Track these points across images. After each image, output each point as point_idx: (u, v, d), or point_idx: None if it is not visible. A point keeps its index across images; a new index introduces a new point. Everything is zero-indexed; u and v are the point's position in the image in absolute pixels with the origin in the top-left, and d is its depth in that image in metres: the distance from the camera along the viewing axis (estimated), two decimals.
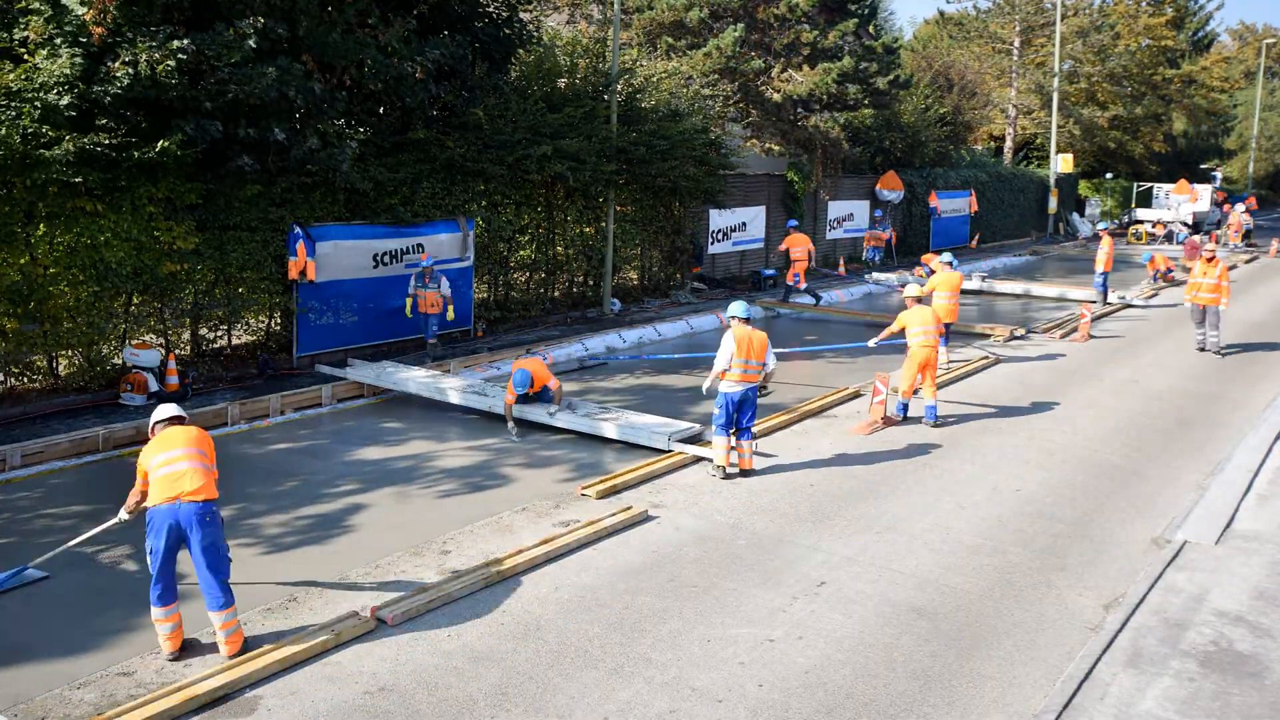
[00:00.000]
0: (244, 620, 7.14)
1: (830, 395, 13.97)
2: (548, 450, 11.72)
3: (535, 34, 18.54)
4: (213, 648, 6.73)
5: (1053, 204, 41.60)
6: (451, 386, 13.25)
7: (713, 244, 24.44)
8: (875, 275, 26.63)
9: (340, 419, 13.00)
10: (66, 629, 7.17)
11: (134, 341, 13.12)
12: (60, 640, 7.01)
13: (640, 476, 10.46)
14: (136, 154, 12.02)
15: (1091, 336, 19.44)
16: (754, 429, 10.78)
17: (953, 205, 34.66)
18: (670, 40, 25.00)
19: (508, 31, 17.23)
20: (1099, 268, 22.86)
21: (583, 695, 6.39)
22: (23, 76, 11.27)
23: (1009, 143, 46.67)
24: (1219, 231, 41.27)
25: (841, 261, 28.14)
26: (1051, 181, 41.56)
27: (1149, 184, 46.37)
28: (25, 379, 12.78)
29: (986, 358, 16.89)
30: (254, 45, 12.41)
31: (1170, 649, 7.08)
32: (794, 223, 24.16)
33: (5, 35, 11.68)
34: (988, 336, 18.87)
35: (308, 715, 6.08)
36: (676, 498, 10.02)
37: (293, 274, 14.28)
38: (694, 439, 11.62)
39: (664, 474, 10.69)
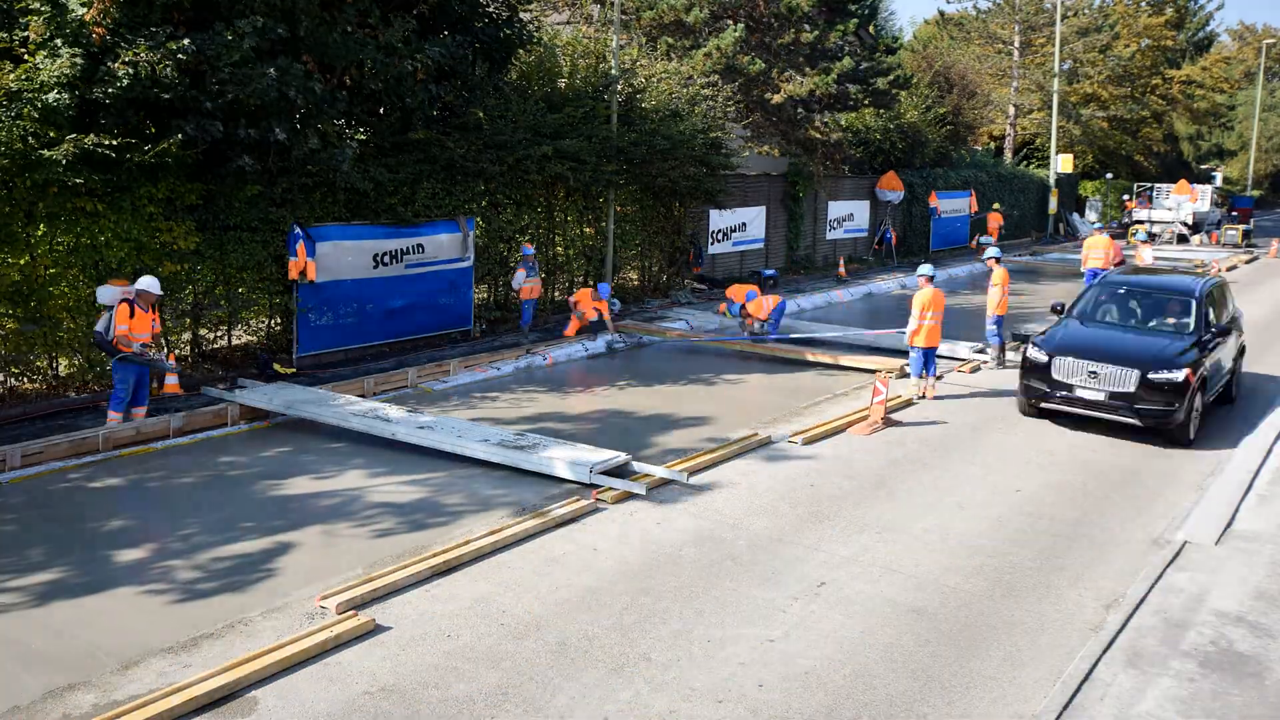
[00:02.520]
0: (244, 620, 7.17)
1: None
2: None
3: (535, 34, 18.53)
4: None
5: (1053, 204, 41.61)
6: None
7: (713, 244, 24.44)
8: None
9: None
10: (67, 629, 7.16)
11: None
12: (61, 641, 7.00)
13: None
14: (137, 154, 12.01)
15: None
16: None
17: (953, 205, 34.66)
18: (670, 40, 25.01)
19: (508, 32, 17.23)
20: (992, 311, 16.20)
21: (583, 695, 6.39)
22: (23, 77, 11.27)
23: (1009, 143, 46.70)
24: (1219, 232, 41.30)
25: (842, 262, 28.14)
26: (1051, 182, 41.56)
27: (1149, 184, 46.36)
28: (25, 379, 12.78)
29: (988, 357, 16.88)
30: (254, 46, 12.41)
31: (1170, 649, 7.08)
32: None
33: (5, 36, 11.68)
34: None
35: (308, 715, 6.08)
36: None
37: (293, 274, 14.28)
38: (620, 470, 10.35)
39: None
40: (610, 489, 9.94)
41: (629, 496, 9.85)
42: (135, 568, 8.15)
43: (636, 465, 10.51)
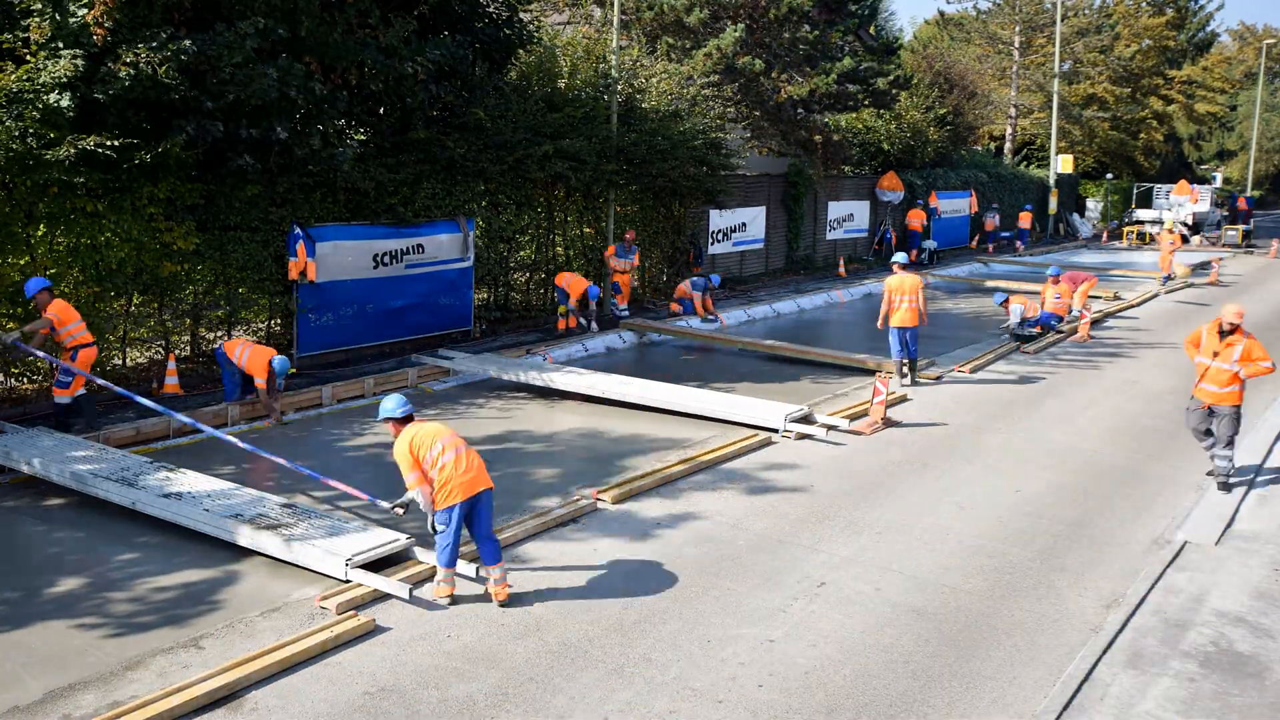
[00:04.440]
0: (244, 620, 7.17)
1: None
2: None
3: (535, 34, 18.54)
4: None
5: (1053, 204, 41.60)
6: None
7: (713, 244, 24.44)
8: None
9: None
10: (67, 631, 7.16)
11: None
12: (61, 642, 7.00)
13: None
14: (138, 155, 12.02)
15: (1092, 337, 19.44)
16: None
17: (953, 206, 34.65)
18: (671, 40, 25.02)
19: (508, 32, 17.23)
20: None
21: (583, 696, 6.39)
22: (24, 77, 11.27)
23: (1008, 143, 46.71)
24: (1219, 232, 41.26)
25: (842, 262, 28.14)
26: (1051, 182, 41.55)
27: (1149, 184, 46.37)
28: (25, 379, 12.78)
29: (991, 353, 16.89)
30: (255, 46, 12.41)
31: (1170, 649, 7.08)
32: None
33: (7, 36, 11.67)
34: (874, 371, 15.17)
35: (308, 715, 6.08)
36: None
37: (293, 274, 14.28)
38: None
39: None
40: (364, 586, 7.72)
41: (631, 497, 9.84)
42: None
43: (419, 552, 8.27)
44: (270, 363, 12.11)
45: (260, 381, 12.12)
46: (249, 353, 12.23)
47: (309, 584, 7.80)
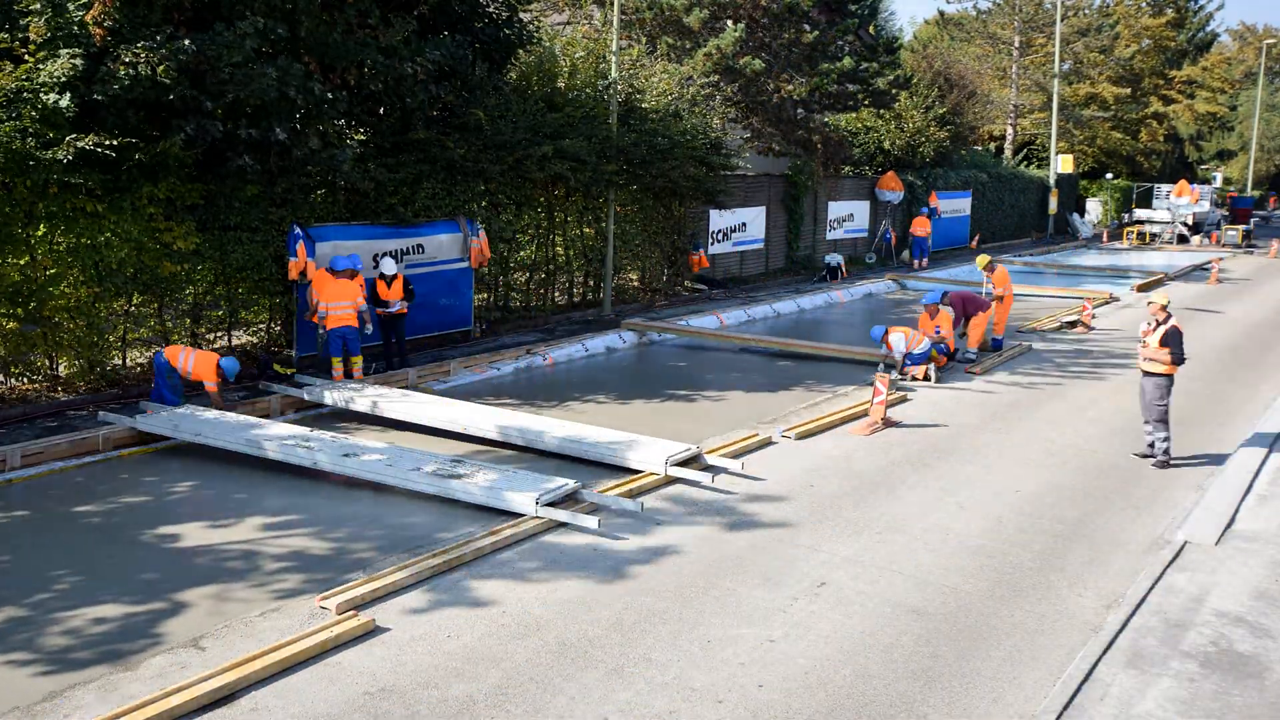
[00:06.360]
0: (244, 620, 7.18)
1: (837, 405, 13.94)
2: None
3: (535, 34, 18.55)
4: None
5: (1053, 204, 41.61)
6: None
7: (713, 244, 24.45)
8: None
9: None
10: (66, 630, 7.16)
11: None
12: (60, 641, 7.00)
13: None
14: (137, 155, 12.02)
15: (1091, 330, 19.44)
16: None
17: (953, 206, 34.65)
18: (671, 40, 25.03)
19: (508, 32, 17.23)
20: None
21: (583, 695, 6.39)
22: (22, 77, 11.27)
23: (1009, 143, 46.73)
24: (1219, 232, 41.26)
25: (842, 262, 28.13)
26: (1051, 182, 41.55)
27: (1149, 184, 46.38)
28: (25, 379, 12.79)
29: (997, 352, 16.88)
30: (255, 46, 12.41)
31: (1170, 649, 7.08)
32: None
33: (5, 36, 11.68)
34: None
35: (308, 715, 6.08)
36: None
37: (293, 274, 14.26)
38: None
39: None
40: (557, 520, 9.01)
41: (632, 496, 9.85)
42: None
43: (587, 494, 9.58)
44: (219, 365, 11.85)
45: (211, 385, 11.79)
46: (194, 359, 11.95)
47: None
